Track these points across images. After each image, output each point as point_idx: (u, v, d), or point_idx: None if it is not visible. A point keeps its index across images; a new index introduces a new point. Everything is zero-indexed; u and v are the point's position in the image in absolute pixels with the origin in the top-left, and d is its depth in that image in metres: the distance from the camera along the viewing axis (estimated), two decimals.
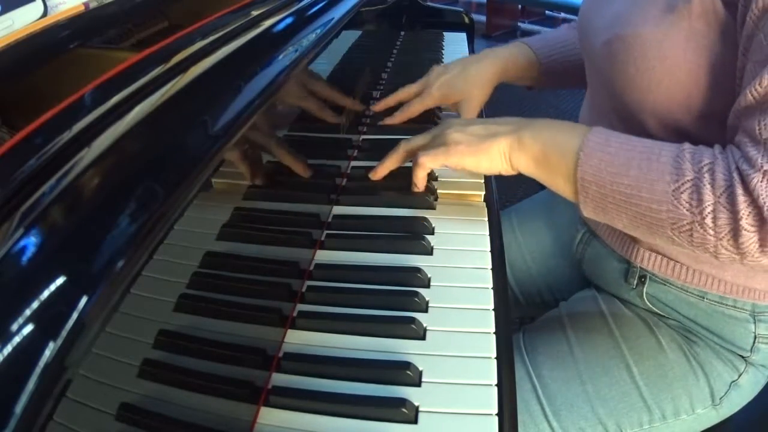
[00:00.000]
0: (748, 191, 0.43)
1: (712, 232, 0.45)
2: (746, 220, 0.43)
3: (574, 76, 0.80)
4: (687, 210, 0.45)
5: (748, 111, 0.45)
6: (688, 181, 0.45)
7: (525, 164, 0.56)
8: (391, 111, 0.79)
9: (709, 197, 0.44)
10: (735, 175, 0.44)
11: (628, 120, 0.58)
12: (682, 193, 0.45)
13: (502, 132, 0.56)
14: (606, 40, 0.57)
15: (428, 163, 0.60)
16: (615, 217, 0.51)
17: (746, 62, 0.46)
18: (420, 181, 0.63)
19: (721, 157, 0.46)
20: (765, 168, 0.42)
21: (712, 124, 0.52)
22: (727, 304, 0.60)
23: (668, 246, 0.56)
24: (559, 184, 0.54)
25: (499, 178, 0.65)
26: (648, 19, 0.52)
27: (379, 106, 0.80)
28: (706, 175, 0.45)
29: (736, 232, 0.44)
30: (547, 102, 2.81)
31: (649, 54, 0.52)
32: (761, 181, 0.42)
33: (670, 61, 0.51)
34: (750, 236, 0.43)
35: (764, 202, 0.42)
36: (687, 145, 0.48)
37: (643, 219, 0.48)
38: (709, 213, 0.44)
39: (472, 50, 1.18)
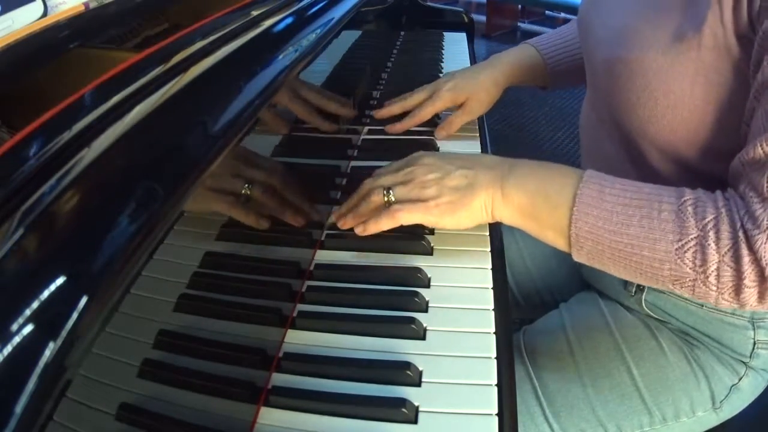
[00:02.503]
0: (753, 251, 0.42)
1: (714, 288, 0.44)
2: (749, 278, 0.42)
3: (583, 75, 0.79)
4: (690, 269, 0.44)
5: (756, 164, 0.44)
6: (692, 239, 0.44)
7: (509, 216, 0.52)
8: (393, 117, 0.78)
9: (713, 257, 0.43)
10: (740, 233, 0.43)
11: (628, 142, 0.57)
12: (685, 252, 0.44)
13: (483, 182, 0.52)
14: (607, 57, 0.55)
15: (404, 219, 0.53)
16: (611, 269, 0.49)
17: (757, 106, 0.44)
18: (376, 229, 0.54)
19: (725, 210, 0.44)
20: None
21: (715, 159, 0.50)
22: (725, 312, 0.60)
23: None
24: (548, 236, 0.51)
25: None
26: (654, 45, 0.50)
27: (383, 113, 0.78)
28: (711, 233, 0.43)
29: (738, 288, 0.43)
30: (546, 101, 2.81)
31: (652, 85, 0.50)
32: (765, 243, 0.41)
33: (675, 96, 0.49)
34: (750, 291, 0.43)
35: (767, 264, 0.41)
36: (688, 194, 0.46)
37: (644, 273, 0.47)
38: (713, 271, 0.43)
39: (472, 50, 1.18)
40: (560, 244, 0.50)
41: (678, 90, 0.49)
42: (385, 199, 0.55)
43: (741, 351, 0.61)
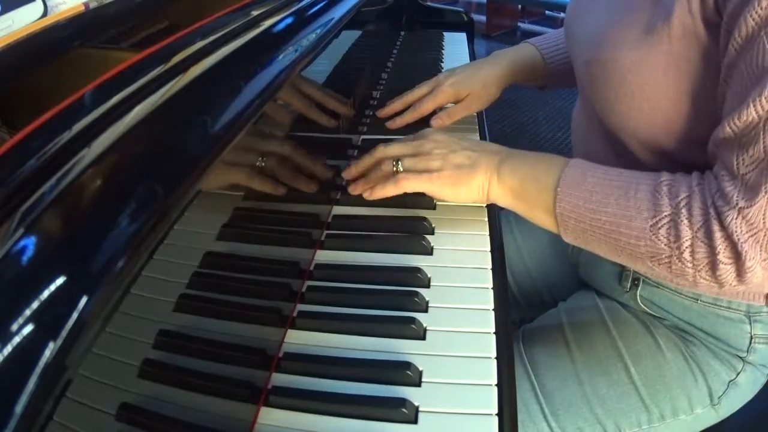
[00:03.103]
0: (723, 227, 0.43)
1: (690, 265, 0.46)
2: (723, 254, 0.44)
3: None
4: (665, 245, 0.46)
5: (727, 143, 0.45)
6: (665, 216, 0.46)
7: (503, 197, 0.56)
8: (396, 115, 0.78)
9: (686, 232, 0.45)
10: (711, 210, 0.44)
11: (612, 139, 0.58)
12: (659, 228, 0.46)
13: (483, 164, 0.57)
14: (585, 60, 0.57)
15: (409, 186, 0.58)
16: (596, 248, 0.52)
17: (727, 89, 0.45)
18: (382, 194, 0.59)
19: (698, 189, 0.46)
20: (740, 205, 0.43)
21: (695, 148, 0.51)
22: (721, 306, 0.60)
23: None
24: (538, 216, 0.55)
25: None
26: (627, 42, 0.51)
27: (387, 111, 0.79)
28: (683, 211, 0.45)
29: (713, 264, 0.45)
30: (543, 100, 2.81)
31: (627, 80, 0.52)
32: (735, 219, 0.43)
33: (650, 87, 0.51)
34: (727, 268, 0.44)
35: (738, 239, 0.43)
36: (665, 177, 0.48)
37: (623, 251, 0.49)
38: (687, 247, 0.45)
39: (472, 50, 1.18)
40: (548, 223, 0.54)
41: (652, 82, 0.50)
42: (394, 168, 0.59)
43: (737, 346, 0.61)
